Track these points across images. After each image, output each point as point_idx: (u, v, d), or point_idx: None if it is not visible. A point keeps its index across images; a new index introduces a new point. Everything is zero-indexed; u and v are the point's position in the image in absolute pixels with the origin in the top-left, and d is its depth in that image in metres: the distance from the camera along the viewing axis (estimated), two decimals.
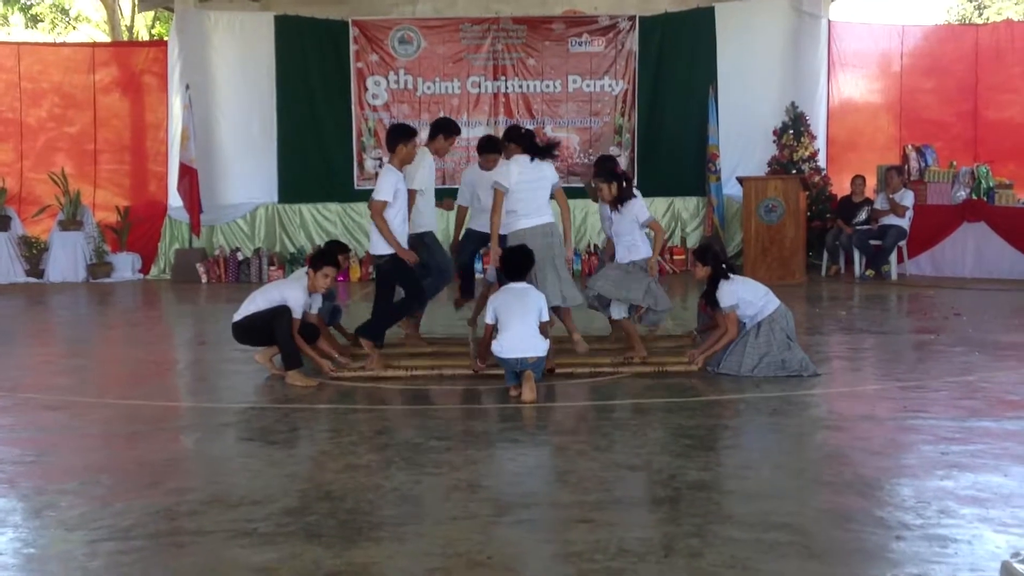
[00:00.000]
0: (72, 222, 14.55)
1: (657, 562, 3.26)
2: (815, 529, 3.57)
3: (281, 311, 6.51)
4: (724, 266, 6.73)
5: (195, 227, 14.32)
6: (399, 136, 7.00)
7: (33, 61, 15.46)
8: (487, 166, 7.59)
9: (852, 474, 4.27)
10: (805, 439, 5.06)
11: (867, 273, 12.76)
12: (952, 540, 3.42)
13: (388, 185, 6.74)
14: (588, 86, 15.48)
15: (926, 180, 13.48)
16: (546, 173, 6.97)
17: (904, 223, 12.75)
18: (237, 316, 6.76)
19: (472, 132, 15.23)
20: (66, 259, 14.48)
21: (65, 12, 24.33)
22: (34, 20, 23.56)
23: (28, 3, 23.17)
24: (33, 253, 14.56)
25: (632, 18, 15.46)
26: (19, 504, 4.04)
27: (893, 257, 12.74)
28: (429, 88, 15.46)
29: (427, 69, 15.43)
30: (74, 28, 25.33)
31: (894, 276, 12.66)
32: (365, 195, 14.60)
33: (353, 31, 15.38)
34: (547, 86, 15.50)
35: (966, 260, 12.79)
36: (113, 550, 3.45)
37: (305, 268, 6.97)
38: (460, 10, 16.21)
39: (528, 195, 6.84)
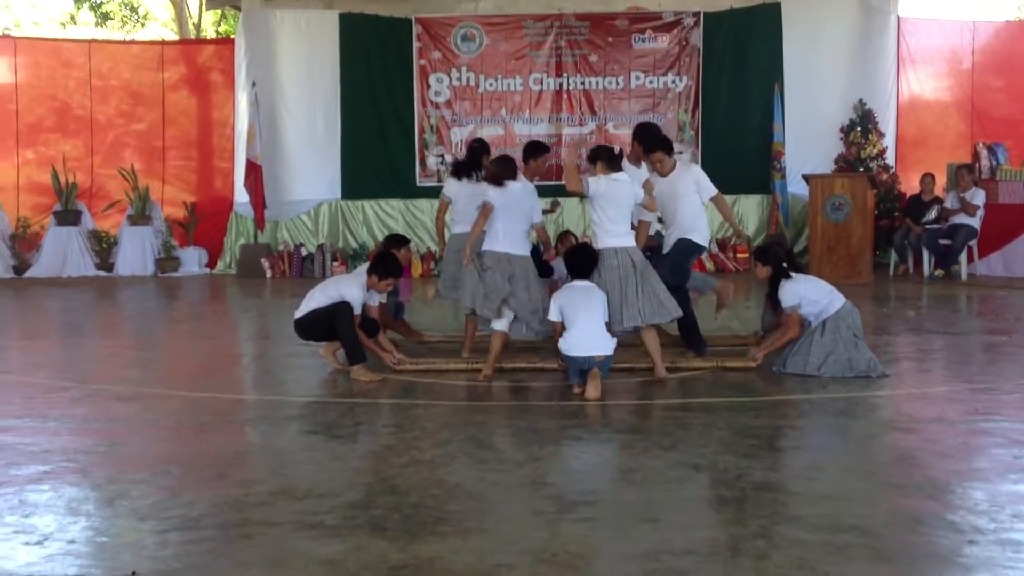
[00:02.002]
0: (141, 217, 14.82)
1: (723, 563, 3.23)
2: (885, 532, 3.51)
3: (342, 307, 6.57)
4: (786, 265, 6.65)
5: (259, 222, 14.48)
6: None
7: (103, 58, 15.75)
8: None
9: (923, 477, 4.19)
10: (874, 441, 4.98)
11: (936, 273, 12.53)
12: None
13: None
14: (651, 82, 15.38)
15: (997, 179, 13.21)
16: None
17: (975, 222, 12.50)
18: (298, 313, 6.84)
19: (534, 129, 15.26)
20: (135, 253, 14.75)
21: (134, 10, 24.75)
22: (104, 18, 23.99)
23: (98, 1, 23.59)
24: (103, 247, 14.85)
25: (697, 14, 15.33)
26: (91, 493, 4.11)
27: (963, 257, 12.50)
28: (491, 85, 15.48)
29: (489, 66, 15.45)
30: (143, 26, 25.76)
31: (964, 276, 12.42)
32: (426, 192, 14.80)
33: (416, 28, 15.45)
34: (609, 82, 15.43)
35: None
36: (183, 539, 3.50)
37: (366, 265, 6.99)
38: (523, 7, 16.21)
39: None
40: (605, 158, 6.52)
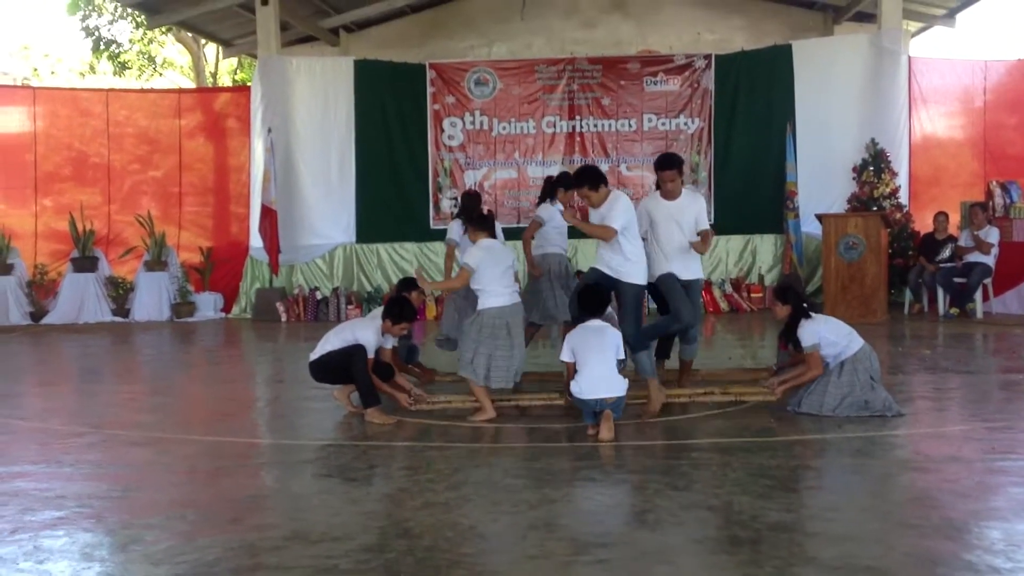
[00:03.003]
0: (157, 263, 14.92)
1: None
2: (902, 573, 3.48)
3: (356, 350, 6.60)
4: (805, 305, 6.66)
5: (274, 267, 14.56)
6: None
7: (120, 106, 15.94)
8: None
9: (939, 517, 4.16)
10: (890, 481, 4.95)
11: (951, 311, 12.48)
12: None
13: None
14: (663, 124, 15.47)
15: (1011, 216, 13.19)
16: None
17: (989, 260, 12.47)
18: (313, 356, 6.88)
19: (547, 171, 15.30)
20: (151, 299, 14.83)
21: (152, 59, 25.07)
22: (122, 67, 24.28)
23: (116, 51, 23.91)
24: (119, 293, 14.93)
25: (708, 56, 15.46)
26: (105, 538, 4.12)
27: (978, 295, 12.45)
28: (504, 128, 15.59)
29: (502, 110, 15.57)
30: (160, 75, 26.08)
31: (979, 314, 12.37)
32: (440, 234, 14.80)
33: (430, 74, 15.61)
34: (622, 125, 15.53)
35: None
36: None
37: (380, 308, 7.02)
38: (536, 51, 16.40)
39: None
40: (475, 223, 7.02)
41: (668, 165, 7.02)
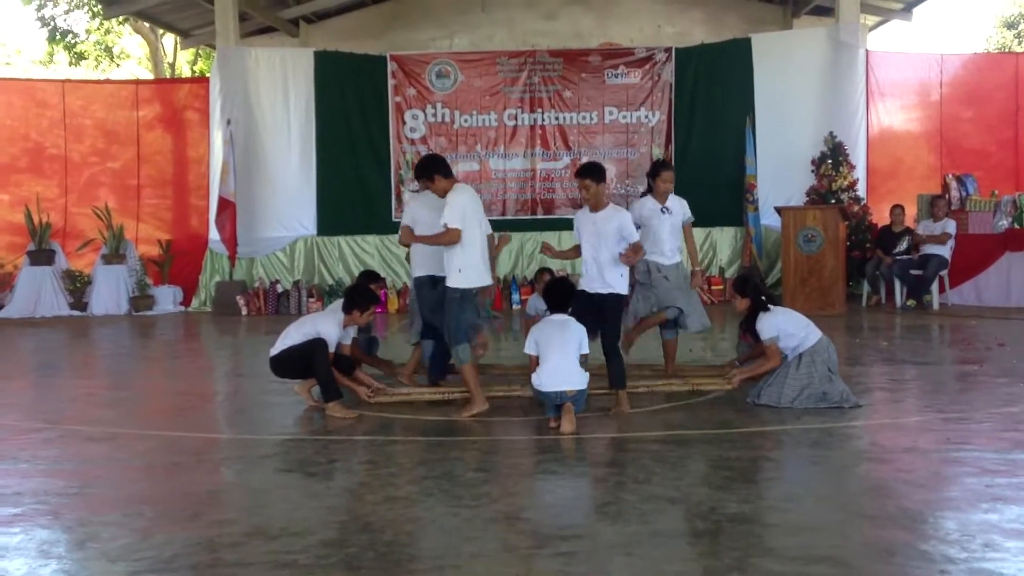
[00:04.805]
0: (115, 256, 14.77)
1: None
2: (858, 563, 3.52)
3: (317, 344, 6.57)
4: (764, 298, 6.72)
5: (232, 258, 14.48)
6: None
7: (77, 97, 15.76)
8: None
9: (895, 507, 4.21)
10: (847, 472, 5.00)
11: (908, 303, 12.63)
12: (998, 574, 3.36)
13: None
14: (624, 117, 15.54)
15: (967, 209, 13.37)
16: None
17: (946, 252, 12.63)
18: (274, 351, 6.83)
19: (509, 164, 15.36)
20: (109, 292, 14.69)
21: (109, 50, 24.76)
22: (79, 58, 23.99)
23: (73, 41, 23.60)
24: (77, 286, 14.77)
25: (668, 50, 15.54)
26: (63, 536, 4.07)
27: (935, 287, 12.61)
28: (466, 121, 15.58)
29: (464, 102, 15.56)
30: (118, 66, 25.78)
31: (936, 306, 12.53)
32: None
33: (391, 66, 15.57)
34: (583, 118, 15.58)
35: (1009, 290, 12.64)
36: None
37: (340, 302, 6.98)
38: (497, 44, 16.39)
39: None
40: None
41: (581, 174, 6.78)
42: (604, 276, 6.57)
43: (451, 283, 6.46)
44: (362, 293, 6.88)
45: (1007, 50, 28.20)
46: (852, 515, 4.17)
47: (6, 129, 15.57)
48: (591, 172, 6.65)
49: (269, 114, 15.52)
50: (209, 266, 15.17)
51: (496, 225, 8.15)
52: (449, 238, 6.36)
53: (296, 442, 5.96)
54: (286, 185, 15.49)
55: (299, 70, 15.54)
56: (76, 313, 14.56)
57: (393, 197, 15.54)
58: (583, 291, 6.63)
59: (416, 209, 7.20)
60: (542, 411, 6.23)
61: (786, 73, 15.11)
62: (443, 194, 6.60)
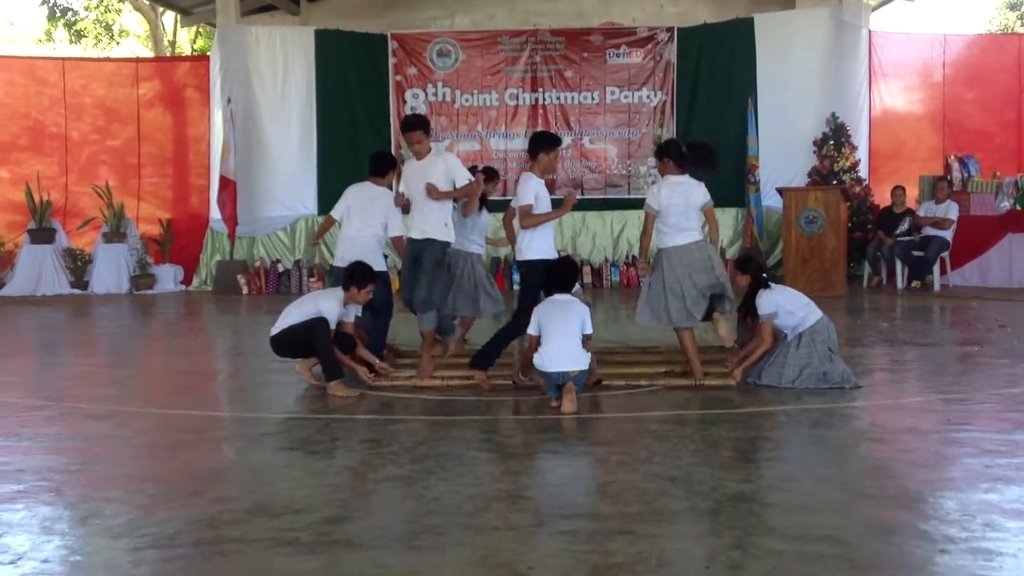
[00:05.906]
0: (116, 234, 14.76)
1: (698, 574, 3.25)
2: (858, 542, 3.53)
3: (318, 323, 6.57)
4: (764, 275, 6.72)
5: (231, 237, 14.47)
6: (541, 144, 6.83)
7: (77, 76, 15.71)
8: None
9: (895, 487, 4.22)
10: (848, 451, 5.01)
11: (914, 284, 12.63)
12: (997, 553, 3.37)
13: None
14: (626, 97, 15.49)
15: (969, 191, 13.36)
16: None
17: (947, 234, 12.63)
18: (275, 330, 6.82)
19: (510, 144, 15.33)
20: (110, 271, 14.68)
21: (108, 28, 24.65)
22: (78, 36, 23.88)
23: (72, 19, 23.49)
24: (78, 265, 14.77)
25: (670, 29, 15.46)
26: (65, 512, 4.08)
27: (936, 268, 12.61)
28: (467, 100, 15.53)
29: (465, 81, 15.51)
30: (117, 44, 25.67)
31: (937, 287, 12.53)
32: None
33: (392, 44, 15.50)
34: (585, 97, 15.53)
35: (1012, 271, 12.66)
36: (157, 558, 3.48)
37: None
38: (498, 23, 16.30)
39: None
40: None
41: (407, 127, 7.09)
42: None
43: (441, 237, 6.81)
44: (359, 270, 6.88)
45: (1010, 31, 28.11)
46: (852, 495, 4.18)
47: (6, 107, 15.53)
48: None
49: (270, 93, 15.47)
50: (210, 245, 15.15)
51: (496, 205, 8.15)
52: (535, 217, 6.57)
53: (298, 421, 5.97)
54: (287, 164, 15.45)
55: (300, 48, 15.48)
56: (77, 292, 14.56)
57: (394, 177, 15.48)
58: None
59: (411, 177, 7.30)
60: (544, 391, 6.22)
61: (788, 53, 15.05)
62: (423, 154, 6.99)
